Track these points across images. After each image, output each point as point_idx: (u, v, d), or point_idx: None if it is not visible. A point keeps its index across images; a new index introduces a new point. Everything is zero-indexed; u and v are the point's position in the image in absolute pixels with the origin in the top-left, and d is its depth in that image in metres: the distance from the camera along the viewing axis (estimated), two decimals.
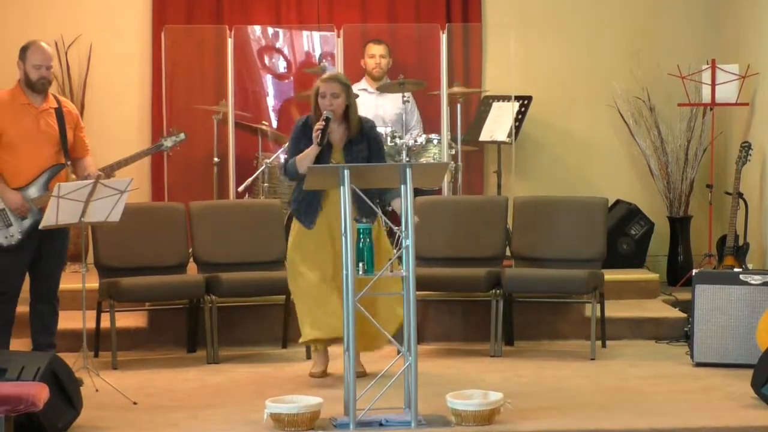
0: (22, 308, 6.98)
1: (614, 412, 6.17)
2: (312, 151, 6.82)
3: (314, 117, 6.91)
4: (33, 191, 6.75)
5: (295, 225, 7.08)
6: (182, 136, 7.24)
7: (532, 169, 9.76)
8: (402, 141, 8.76)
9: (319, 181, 6.30)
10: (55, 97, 6.93)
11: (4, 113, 6.74)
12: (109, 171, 6.91)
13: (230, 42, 9.03)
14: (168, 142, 7.21)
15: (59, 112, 6.85)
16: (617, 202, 9.49)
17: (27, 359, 5.83)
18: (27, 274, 6.90)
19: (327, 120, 6.79)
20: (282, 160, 8.13)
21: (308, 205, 6.91)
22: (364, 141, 6.96)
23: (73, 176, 7.02)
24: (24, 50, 6.81)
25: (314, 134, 6.80)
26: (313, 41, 9.84)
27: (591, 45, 9.81)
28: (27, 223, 6.74)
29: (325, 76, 7.01)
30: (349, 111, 6.92)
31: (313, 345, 7.18)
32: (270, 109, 9.83)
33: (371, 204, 6.27)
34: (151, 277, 7.66)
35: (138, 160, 7.22)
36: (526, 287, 7.87)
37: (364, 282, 6.05)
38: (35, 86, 6.78)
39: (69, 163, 6.89)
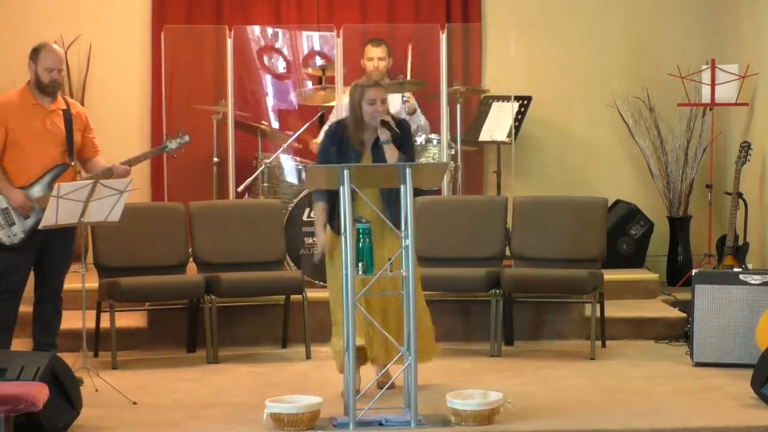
0: (26, 308, 6.98)
1: (614, 412, 6.17)
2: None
3: (351, 121, 6.65)
4: (37, 190, 6.73)
5: (329, 232, 6.76)
6: (187, 138, 7.12)
7: (532, 169, 9.75)
8: None
9: (319, 181, 6.29)
10: (64, 98, 6.93)
11: (12, 113, 6.74)
12: (128, 165, 6.91)
13: (230, 42, 9.02)
14: (173, 144, 7.12)
15: (67, 114, 6.84)
16: (617, 202, 9.49)
17: (27, 359, 5.83)
18: (32, 274, 6.89)
19: (387, 123, 6.53)
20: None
21: (336, 210, 6.75)
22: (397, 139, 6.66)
23: (84, 174, 7.01)
24: (36, 52, 6.77)
25: (384, 138, 6.56)
26: (312, 41, 9.84)
27: (591, 45, 9.80)
28: (30, 222, 6.73)
29: (365, 82, 6.70)
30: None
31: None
32: (269, 109, 9.82)
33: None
34: (151, 277, 7.66)
35: (142, 162, 7.17)
36: (526, 287, 7.87)
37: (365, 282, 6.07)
38: (46, 89, 6.76)
39: (73, 163, 6.87)
